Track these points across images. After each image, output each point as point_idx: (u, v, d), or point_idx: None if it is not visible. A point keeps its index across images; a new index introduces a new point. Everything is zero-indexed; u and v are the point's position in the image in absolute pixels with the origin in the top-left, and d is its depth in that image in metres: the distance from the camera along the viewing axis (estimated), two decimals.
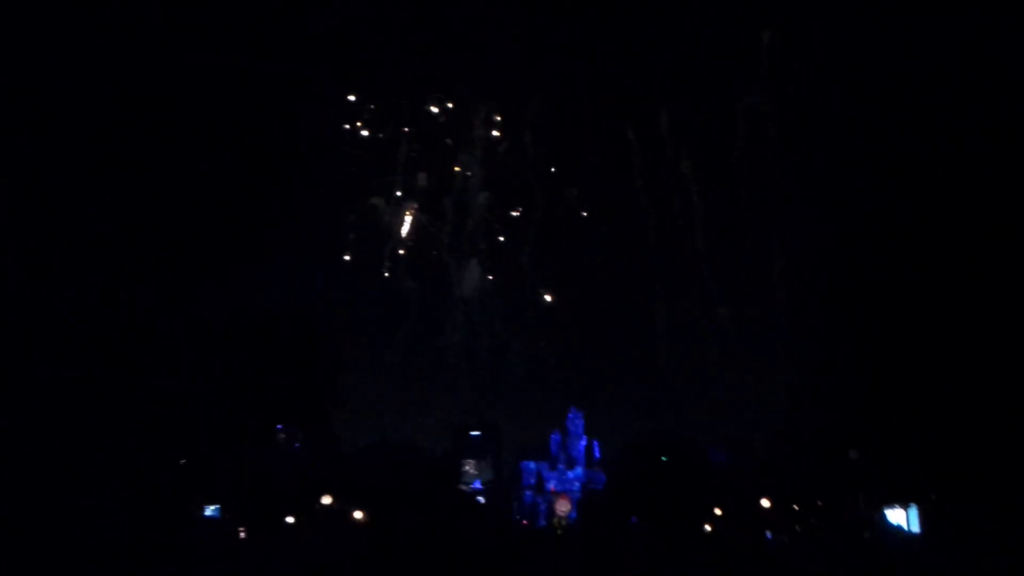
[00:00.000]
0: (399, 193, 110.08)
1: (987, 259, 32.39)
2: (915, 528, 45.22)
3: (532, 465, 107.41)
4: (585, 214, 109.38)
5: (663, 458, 71.20)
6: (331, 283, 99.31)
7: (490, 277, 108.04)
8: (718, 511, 65.91)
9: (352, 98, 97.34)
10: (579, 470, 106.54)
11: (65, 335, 24.98)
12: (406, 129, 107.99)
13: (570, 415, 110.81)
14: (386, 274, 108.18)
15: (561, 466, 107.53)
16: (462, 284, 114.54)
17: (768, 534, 56.45)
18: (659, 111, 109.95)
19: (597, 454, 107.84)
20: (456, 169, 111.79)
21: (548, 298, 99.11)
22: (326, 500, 50.81)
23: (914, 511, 45.46)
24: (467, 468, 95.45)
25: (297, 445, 52.98)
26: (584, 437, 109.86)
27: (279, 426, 49.66)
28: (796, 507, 59.01)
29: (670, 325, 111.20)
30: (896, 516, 45.98)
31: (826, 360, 49.81)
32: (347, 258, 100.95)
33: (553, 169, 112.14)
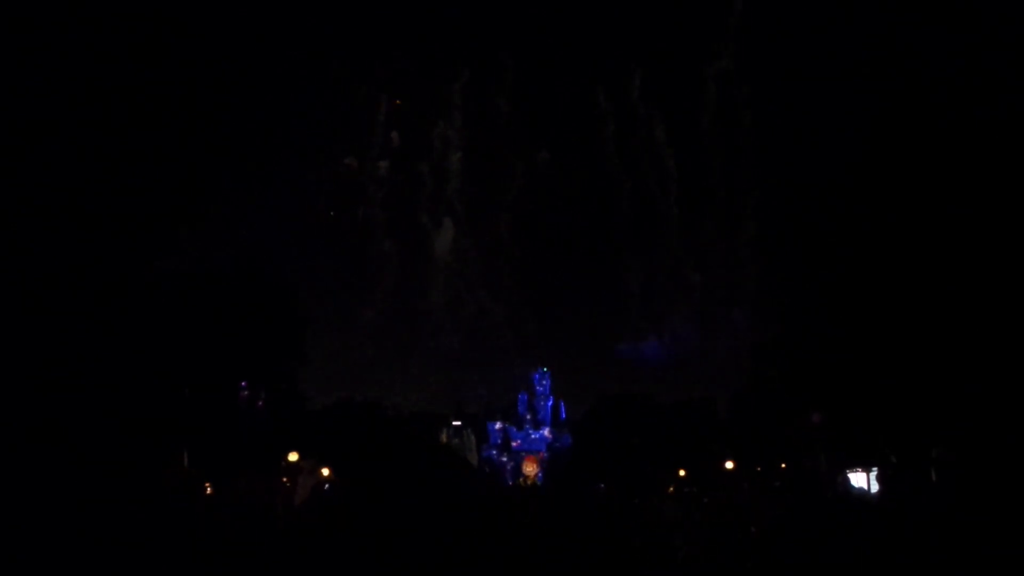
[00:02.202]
0: (374, 152, 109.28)
1: (956, 231, 32.58)
2: (875, 490, 45.98)
3: (497, 425, 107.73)
4: (555, 174, 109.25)
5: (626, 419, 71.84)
6: (301, 241, 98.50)
7: (463, 238, 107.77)
8: (682, 472, 66.68)
9: (325, 56, 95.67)
10: (545, 430, 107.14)
11: (17, 295, 24.19)
12: (380, 89, 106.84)
13: (536, 375, 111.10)
14: (359, 233, 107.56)
15: (528, 426, 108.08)
16: (436, 244, 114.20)
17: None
18: (631, 74, 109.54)
19: (563, 415, 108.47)
20: (431, 129, 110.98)
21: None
22: (292, 457, 50.55)
23: (875, 474, 46.20)
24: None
25: (260, 403, 52.58)
26: (551, 397, 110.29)
27: (243, 383, 49.22)
28: (759, 469, 59.83)
29: (640, 287, 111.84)
30: (858, 479, 46.72)
31: (790, 322, 50.20)
32: (330, 214, 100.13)
33: (525, 131, 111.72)
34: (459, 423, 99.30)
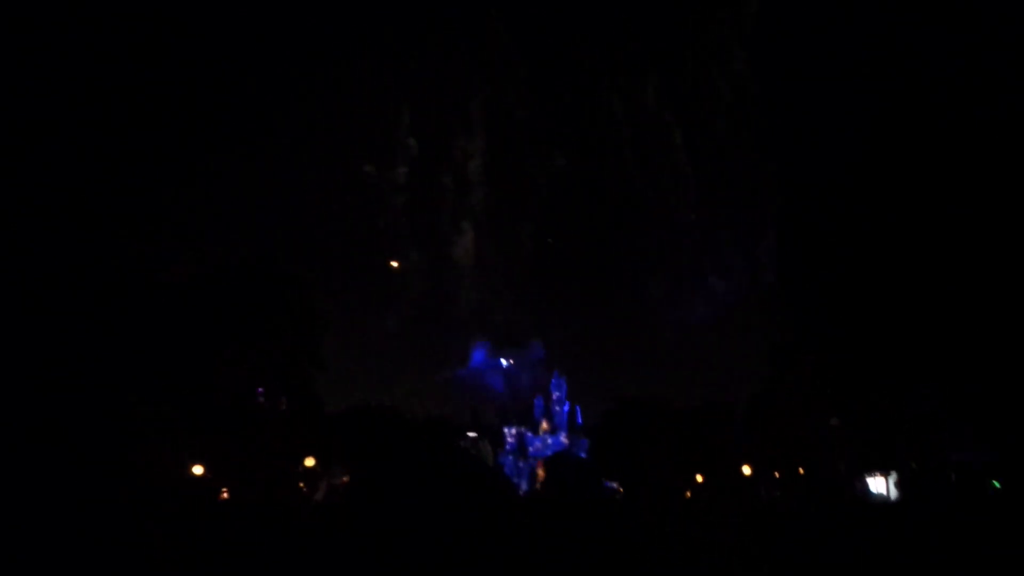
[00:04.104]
0: (395, 159, 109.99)
1: (973, 243, 32.28)
2: (894, 495, 45.58)
3: (513, 429, 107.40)
4: (574, 178, 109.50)
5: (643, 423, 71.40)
6: (321, 246, 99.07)
7: (482, 242, 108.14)
8: (700, 478, 66.26)
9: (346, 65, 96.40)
10: (561, 436, 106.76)
11: (36, 296, 24.30)
12: (401, 97, 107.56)
13: (553, 380, 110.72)
14: (380, 239, 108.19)
15: (544, 432, 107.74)
16: (455, 249, 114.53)
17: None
18: (648, 79, 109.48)
19: (579, 420, 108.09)
20: (452, 137, 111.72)
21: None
22: (309, 462, 50.64)
23: (893, 479, 45.81)
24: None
25: (283, 408, 52.49)
26: (567, 402, 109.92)
27: (260, 389, 49.19)
28: (777, 474, 59.41)
29: (659, 291, 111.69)
30: (877, 484, 46.34)
31: (808, 326, 49.76)
32: (339, 223, 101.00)
33: (544, 139, 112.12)
34: (475, 434, 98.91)
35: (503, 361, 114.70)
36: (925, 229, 33.18)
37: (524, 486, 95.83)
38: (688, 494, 64.58)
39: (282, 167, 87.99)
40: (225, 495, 43.28)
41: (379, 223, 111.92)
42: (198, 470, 40.46)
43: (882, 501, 44.38)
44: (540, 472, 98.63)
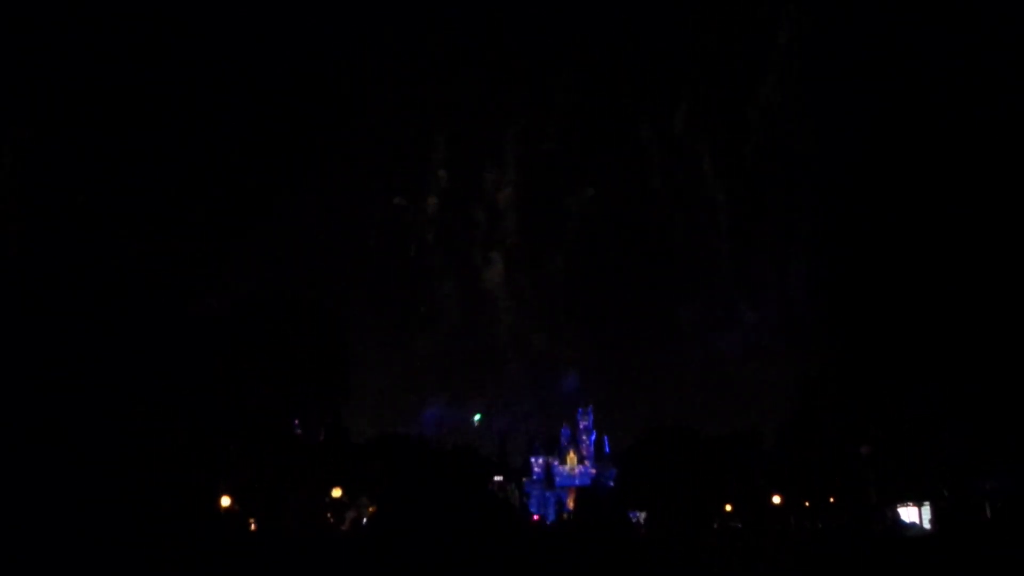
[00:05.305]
0: (425, 190, 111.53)
1: (1005, 268, 31.96)
2: (927, 526, 44.75)
3: (541, 459, 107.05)
4: (604, 208, 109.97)
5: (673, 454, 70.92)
6: (352, 277, 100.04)
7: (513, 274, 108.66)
8: (728, 507, 65.56)
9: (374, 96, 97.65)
10: (588, 465, 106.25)
11: (69, 326, 24.67)
12: (433, 129, 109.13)
13: (579, 410, 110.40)
14: (410, 269, 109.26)
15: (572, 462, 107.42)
16: (484, 279, 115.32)
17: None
18: (677, 108, 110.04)
19: (607, 449, 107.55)
20: (482, 168, 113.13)
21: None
22: (336, 493, 50.69)
23: (927, 509, 45.00)
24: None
25: (321, 438, 52.64)
26: (594, 432, 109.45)
27: (295, 420, 49.50)
28: (807, 503, 58.63)
29: (689, 320, 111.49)
30: (909, 514, 45.52)
31: (840, 353, 49.27)
32: (370, 252, 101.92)
33: (574, 167, 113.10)
34: (501, 477, 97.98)
35: (476, 417, 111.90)
36: (980, 261, 32.70)
37: (551, 516, 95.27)
38: (716, 525, 63.89)
39: (314, 198, 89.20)
40: (252, 526, 43.46)
41: (410, 253, 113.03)
42: (226, 502, 40.65)
43: (916, 533, 43.61)
44: (571, 503, 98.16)
